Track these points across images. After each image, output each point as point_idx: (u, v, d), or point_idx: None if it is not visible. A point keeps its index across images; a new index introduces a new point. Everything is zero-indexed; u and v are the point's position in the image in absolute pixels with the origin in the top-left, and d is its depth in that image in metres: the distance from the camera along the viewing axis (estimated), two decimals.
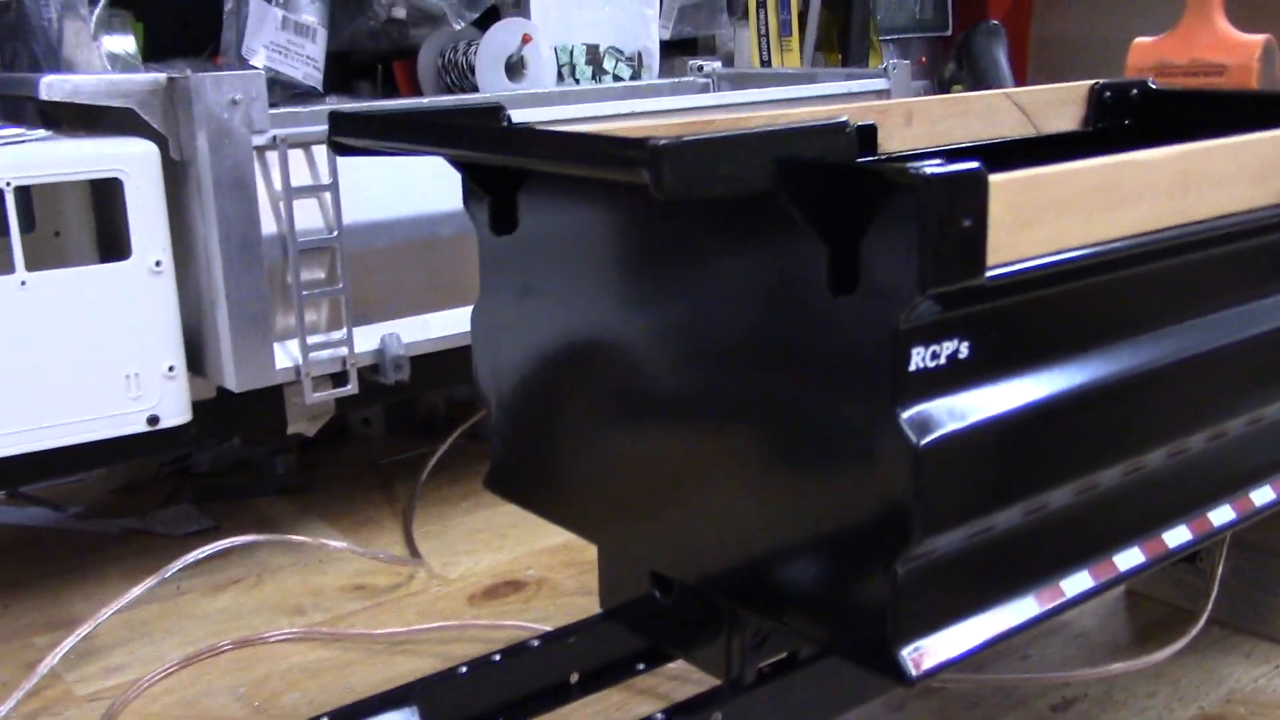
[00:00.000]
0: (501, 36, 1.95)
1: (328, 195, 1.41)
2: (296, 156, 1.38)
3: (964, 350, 0.72)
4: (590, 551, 0.98)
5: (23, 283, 1.24)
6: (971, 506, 0.74)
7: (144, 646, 1.37)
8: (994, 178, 0.69)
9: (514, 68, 1.97)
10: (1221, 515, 0.94)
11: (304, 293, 1.40)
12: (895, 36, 2.80)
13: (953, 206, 0.66)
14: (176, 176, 1.34)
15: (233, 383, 1.36)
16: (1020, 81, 2.67)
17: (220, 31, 1.88)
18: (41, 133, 1.31)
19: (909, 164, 0.65)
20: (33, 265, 1.25)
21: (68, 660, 1.30)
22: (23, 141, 1.26)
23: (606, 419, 0.88)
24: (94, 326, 1.28)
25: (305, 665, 1.32)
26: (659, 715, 0.82)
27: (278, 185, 1.37)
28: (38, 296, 1.25)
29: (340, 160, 1.39)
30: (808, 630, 0.77)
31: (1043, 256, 0.74)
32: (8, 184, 1.21)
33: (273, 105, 1.72)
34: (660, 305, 0.82)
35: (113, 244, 1.35)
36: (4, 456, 1.26)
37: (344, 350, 1.44)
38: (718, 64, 2.15)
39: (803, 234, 0.69)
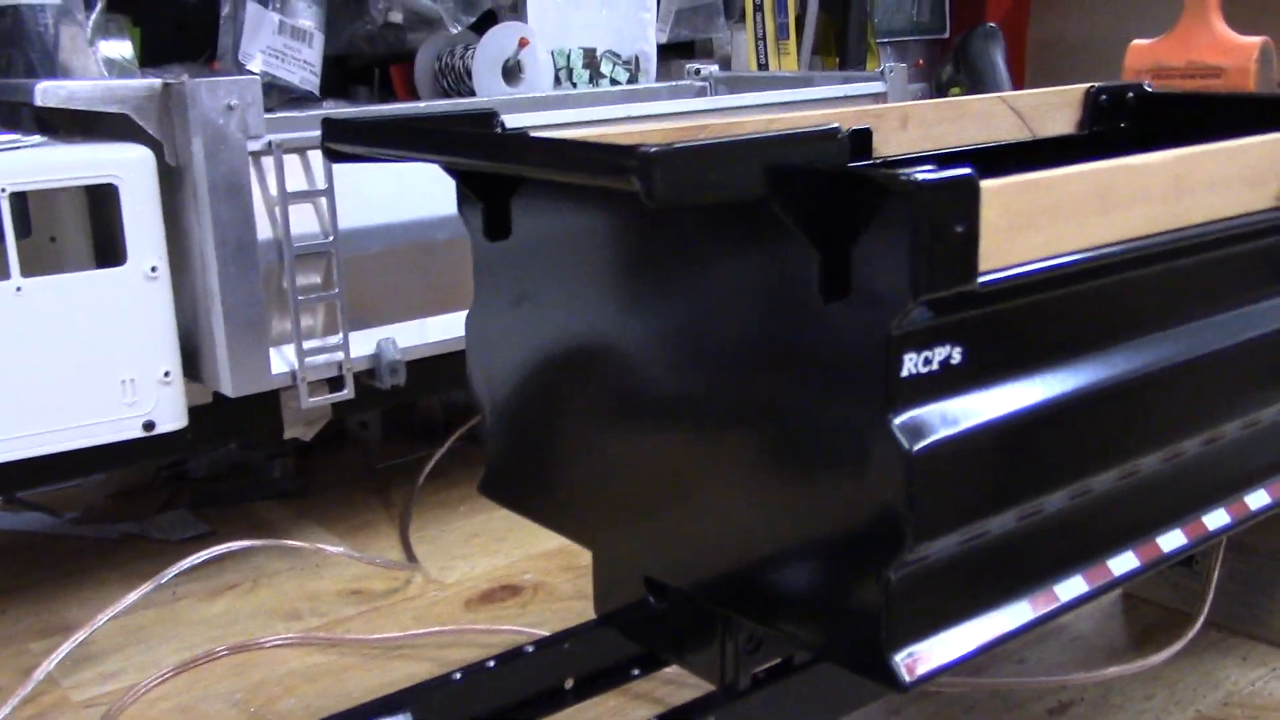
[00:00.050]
0: (498, 40, 1.96)
1: (323, 200, 1.41)
2: (292, 161, 1.38)
3: (957, 356, 0.72)
4: (587, 556, 0.98)
5: (18, 288, 1.24)
6: (965, 512, 0.74)
7: (140, 652, 1.37)
8: (986, 183, 0.69)
9: (511, 72, 1.97)
10: (1216, 519, 0.94)
11: (299, 298, 1.40)
12: (893, 39, 2.81)
13: (945, 212, 0.66)
14: (172, 182, 1.34)
15: (228, 388, 1.36)
16: (1018, 84, 2.68)
17: (217, 36, 1.88)
18: (37, 138, 1.31)
19: (900, 170, 0.65)
20: (29, 271, 1.25)
21: (64, 666, 1.30)
22: (18, 147, 1.26)
23: (600, 424, 0.88)
24: (89, 332, 1.28)
25: (301, 670, 1.32)
26: None
27: (273, 190, 1.37)
28: (33, 302, 1.25)
29: (336, 165, 1.39)
30: (801, 636, 0.77)
31: (1036, 262, 0.74)
32: (3, 190, 1.21)
33: (270, 110, 1.73)
34: (653, 311, 0.82)
35: (109, 249, 1.35)
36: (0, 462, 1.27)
37: (340, 355, 1.44)
38: (715, 67, 2.16)
39: (794, 240, 0.69)
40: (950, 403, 0.72)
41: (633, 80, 2.13)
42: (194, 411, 1.38)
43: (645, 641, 0.94)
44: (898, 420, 0.69)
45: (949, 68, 2.49)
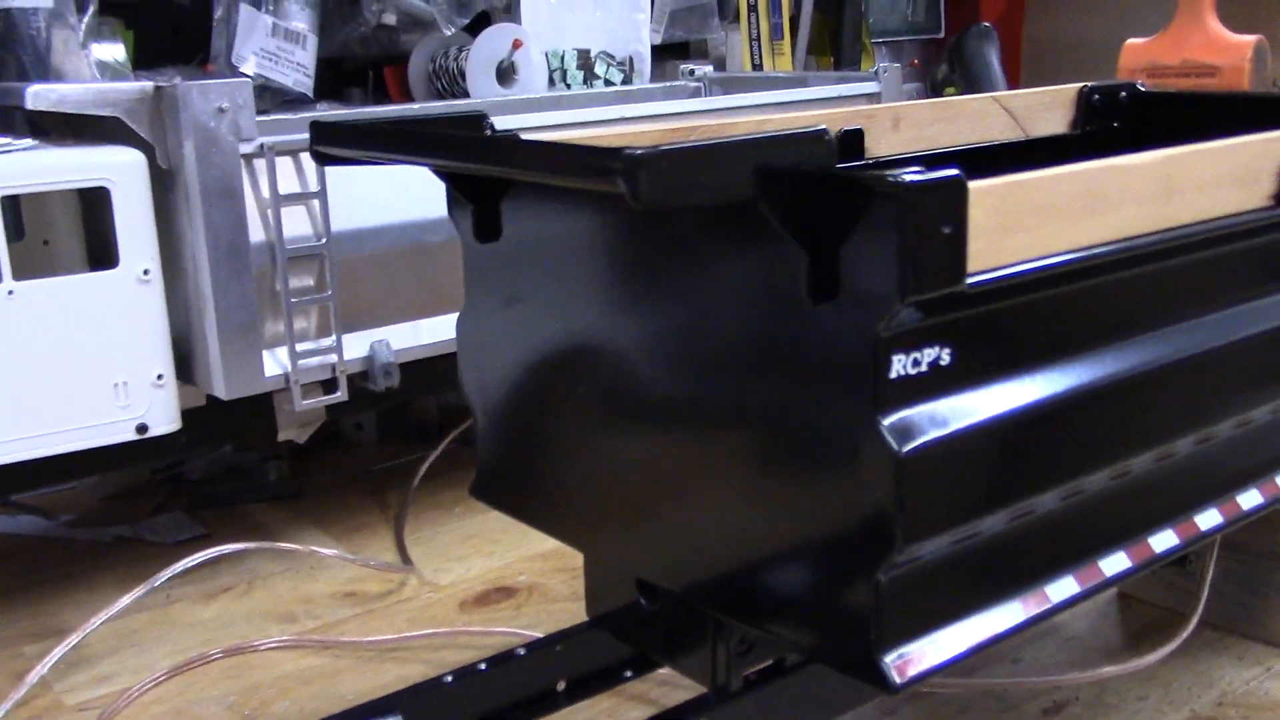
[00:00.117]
0: (492, 42, 1.95)
1: (316, 202, 1.41)
2: (284, 164, 1.38)
3: (946, 357, 0.72)
4: (581, 557, 0.98)
5: (10, 292, 1.24)
6: (954, 513, 0.74)
7: (134, 655, 1.36)
8: (974, 184, 0.69)
9: (505, 73, 1.97)
10: (1209, 519, 0.94)
11: (293, 300, 1.40)
12: (888, 39, 2.80)
13: (932, 213, 0.66)
14: (164, 185, 1.34)
15: (222, 390, 1.36)
16: (1013, 83, 2.67)
17: (210, 39, 1.88)
18: (28, 142, 1.30)
19: (888, 171, 0.65)
20: (22, 274, 1.25)
21: (57, 669, 1.29)
22: (9, 151, 1.26)
23: (591, 426, 0.88)
24: (82, 335, 1.28)
25: (296, 673, 1.32)
26: None
27: (266, 193, 1.37)
28: (25, 305, 1.25)
29: (329, 167, 1.39)
30: (791, 638, 0.77)
31: (1025, 263, 0.74)
32: None
33: (263, 112, 1.73)
34: (643, 313, 0.82)
35: (102, 253, 1.35)
36: None
37: (333, 357, 1.44)
38: (709, 68, 2.15)
39: (783, 241, 0.69)
40: (939, 404, 0.72)
41: (627, 81, 2.13)
42: (187, 414, 1.38)
43: (637, 643, 0.94)
44: (886, 421, 0.69)
45: (944, 67, 2.49)
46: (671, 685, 1.19)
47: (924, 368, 0.71)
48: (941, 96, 2.28)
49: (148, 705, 1.26)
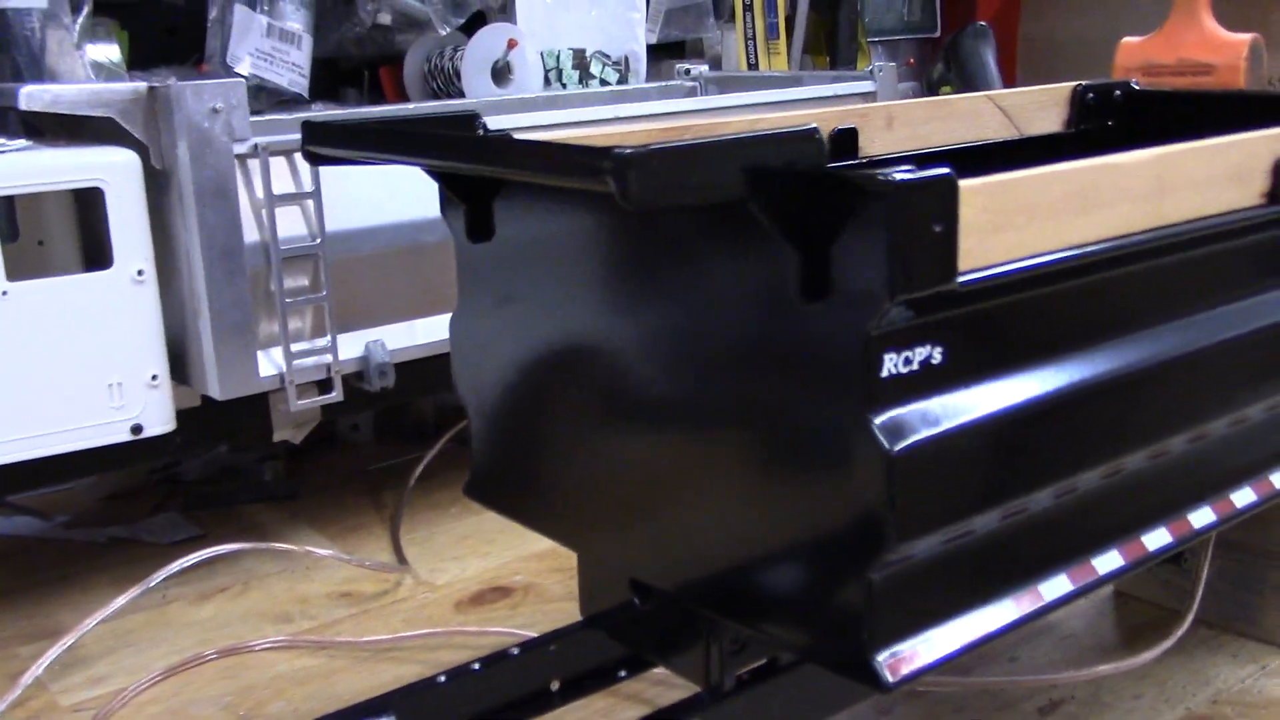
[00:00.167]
0: (487, 42, 1.95)
1: (310, 203, 1.41)
2: (279, 164, 1.38)
3: (937, 355, 0.72)
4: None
5: (4, 292, 1.24)
6: (946, 512, 0.74)
7: (129, 656, 1.36)
8: (965, 183, 0.69)
9: (500, 73, 1.97)
10: (1202, 517, 0.94)
11: (287, 300, 1.39)
12: (883, 38, 2.80)
13: (923, 212, 0.66)
14: (159, 185, 1.34)
15: (216, 391, 1.36)
16: (1009, 82, 2.67)
17: (205, 39, 1.88)
18: (22, 142, 1.30)
19: (879, 170, 0.65)
20: (16, 275, 1.25)
21: (52, 670, 1.29)
22: (3, 151, 1.26)
23: (584, 426, 0.88)
24: (76, 336, 1.28)
25: (291, 673, 1.32)
26: None
27: (260, 193, 1.37)
28: (19, 306, 1.24)
29: (323, 167, 1.39)
30: (784, 637, 0.77)
31: (1016, 261, 0.74)
32: None
33: (258, 112, 1.73)
34: (636, 313, 0.82)
35: (97, 253, 1.35)
36: None
37: (328, 357, 1.44)
38: (705, 67, 2.15)
39: (773, 241, 0.69)
40: (931, 402, 0.72)
41: (622, 81, 2.13)
42: (182, 415, 1.38)
43: (631, 643, 0.94)
44: (878, 420, 0.69)
45: (939, 67, 2.49)
46: (667, 685, 1.19)
47: (915, 366, 0.71)
48: (937, 95, 2.28)
49: (143, 706, 1.26)
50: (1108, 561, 0.86)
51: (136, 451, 1.37)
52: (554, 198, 0.85)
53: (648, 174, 0.60)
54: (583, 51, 2.08)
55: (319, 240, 1.42)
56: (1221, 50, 2.00)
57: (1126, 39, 2.07)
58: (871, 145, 1.14)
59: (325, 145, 0.84)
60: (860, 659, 0.72)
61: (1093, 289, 0.81)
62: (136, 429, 1.33)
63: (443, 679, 0.89)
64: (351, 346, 1.47)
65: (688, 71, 2.12)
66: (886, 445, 0.69)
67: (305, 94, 1.89)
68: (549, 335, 0.89)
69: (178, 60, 1.92)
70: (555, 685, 0.95)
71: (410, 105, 1.97)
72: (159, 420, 1.34)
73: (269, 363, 1.40)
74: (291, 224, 1.40)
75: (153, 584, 1.31)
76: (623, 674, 0.98)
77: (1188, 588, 1.21)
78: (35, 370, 1.26)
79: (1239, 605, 1.30)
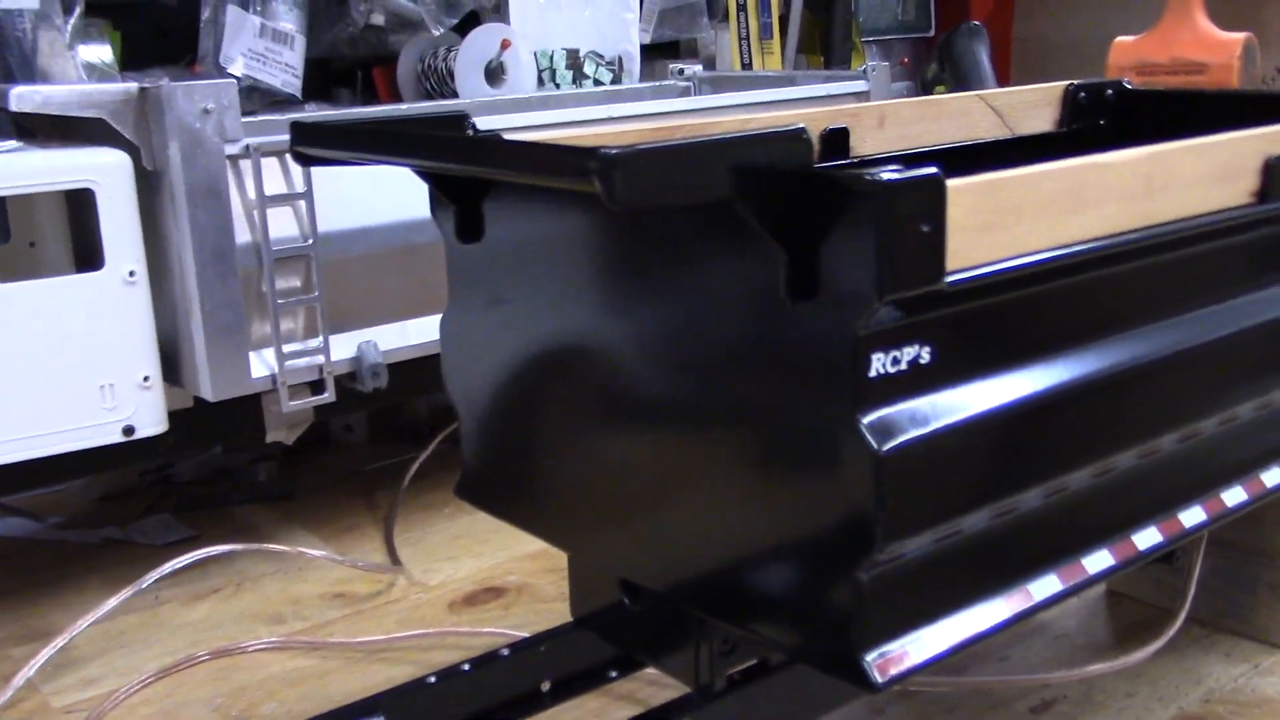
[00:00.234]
0: (481, 42, 1.95)
1: (302, 203, 1.41)
2: (270, 165, 1.38)
3: (926, 355, 0.72)
4: None
5: None
6: (935, 512, 0.74)
7: (121, 657, 1.36)
8: (953, 182, 0.69)
9: (494, 73, 1.97)
10: (1193, 516, 0.94)
11: (279, 301, 1.39)
12: (878, 38, 2.80)
13: (910, 212, 0.66)
14: (150, 186, 1.33)
15: (208, 392, 1.36)
16: (1003, 82, 2.67)
17: (198, 40, 1.88)
18: (13, 143, 1.30)
19: (866, 170, 0.65)
20: (6, 275, 1.24)
21: (44, 672, 1.29)
22: None
23: (574, 427, 0.88)
24: (68, 337, 1.28)
25: (284, 674, 1.32)
26: None
27: (252, 194, 1.37)
28: (9, 307, 1.24)
29: (314, 168, 1.39)
30: (774, 637, 0.77)
31: (1004, 261, 0.74)
32: None
33: (252, 113, 1.73)
34: (625, 313, 0.82)
35: (89, 254, 1.35)
36: None
37: (320, 358, 1.44)
38: (698, 67, 2.15)
39: (762, 241, 0.69)
40: (919, 402, 0.72)
41: (616, 81, 2.12)
42: (174, 416, 1.38)
43: (621, 644, 0.94)
44: (866, 420, 0.69)
45: (934, 66, 2.49)
46: (660, 685, 1.19)
47: (904, 366, 0.71)
48: (931, 95, 2.28)
49: (135, 707, 1.26)
50: (1098, 561, 0.86)
51: (129, 453, 1.37)
52: (543, 198, 0.85)
53: (633, 174, 0.60)
54: (576, 52, 2.08)
55: (311, 241, 1.42)
56: (1215, 49, 2.00)
57: (1120, 38, 2.07)
58: (863, 145, 1.14)
59: (314, 146, 0.84)
60: (849, 659, 0.72)
61: (1082, 288, 0.81)
62: (128, 430, 1.32)
63: (433, 680, 0.89)
64: (344, 347, 1.47)
65: (681, 71, 2.12)
66: (875, 445, 0.69)
67: (298, 94, 1.89)
68: (539, 336, 0.89)
69: (170, 61, 1.92)
70: (546, 686, 0.95)
71: (403, 106, 1.96)
72: (151, 421, 1.34)
73: (261, 364, 1.40)
74: (283, 225, 1.40)
75: (145, 585, 1.31)
76: (613, 674, 0.98)
77: (1180, 586, 1.21)
78: (27, 371, 1.26)
79: (1232, 604, 1.30)
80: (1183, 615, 1.18)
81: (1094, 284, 0.81)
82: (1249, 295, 0.94)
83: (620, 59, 2.13)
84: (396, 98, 2.06)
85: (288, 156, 1.40)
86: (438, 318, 0.97)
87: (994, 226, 0.73)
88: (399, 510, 1.72)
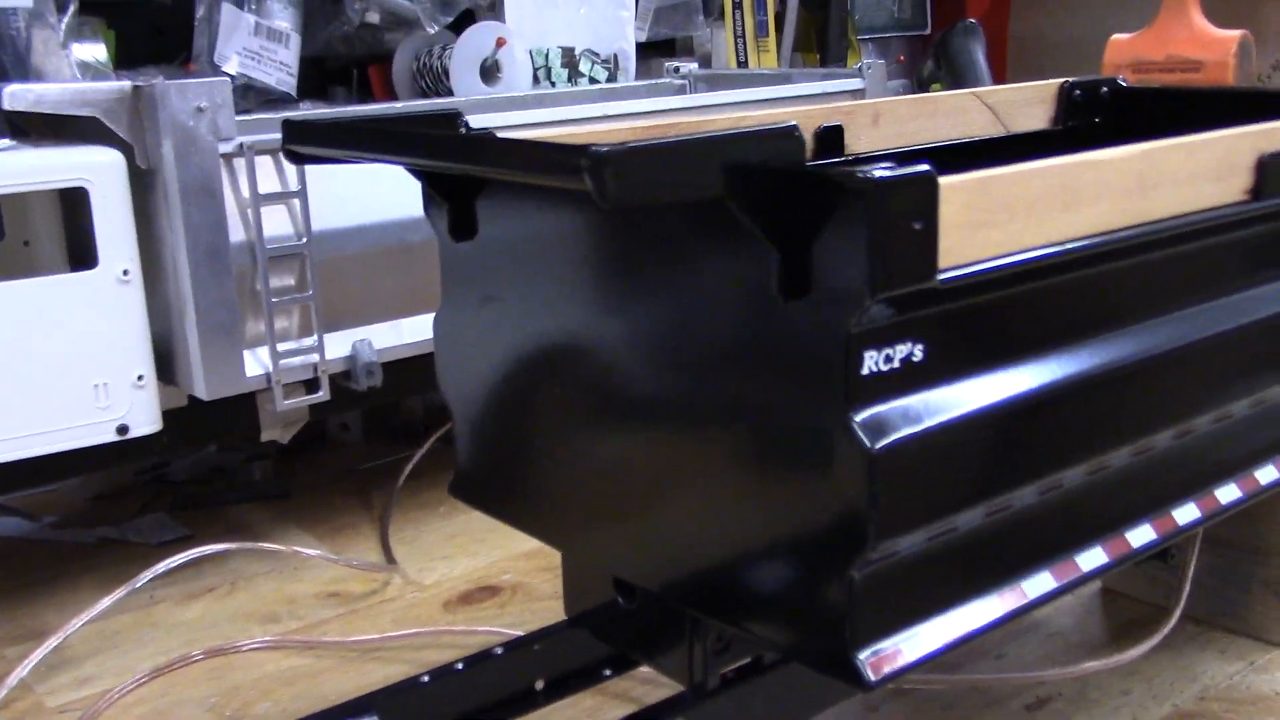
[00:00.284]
0: (476, 40, 1.95)
1: (296, 202, 1.41)
2: (264, 163, 1.37)
3: (918, 353, 0.72)
4: None
5: None
6: (928, 510, 0.74)
7: (115, 657, 1.36)
8: (945, 180, 0.69)
9: (489, 71, 1.97)
10: (1187, 514, 0.94)
11: (273, 300, 1.39)
12: (874, 36, 2.80)
13: (903, 209, 0.66)
14: (144, 185, 1.33)
15: (202, 391, 1.36)
16: (999, 80, 2.67)
17: (193, 38, 1.88)
18: (6, 142, 1.30)
19: (858, 167, 0.65)
20: (1, 274, 1.24)
21: (38, 672, 1.29)
22: None
23: (567, 425, 0.88)
24: (62, 336, 1.28)
25: (278, 674, 1.31)
26: None
27: (246, 192, 1.37)
28: (3, 306, 1.24)
29: (309, 167, 1.39)
30: (767, 636, 0.77)
31: (997, 258, 0.74)
32: None
33: (247, 111, 1.72)
34: (618, 312, 0.82)
35: (83, 253, 1.35)
36: None
37: (315, 357, 1.44)
38: (694, 65, 2.15)
39: (754, 239, 0.69)
40: (912, 400, 0.72)
41: (612, 79, 2.12)
42: (169, 415, 1.38)
43: (615, 642, 0.94)
44: (859, 418, 0.69)
45: (930, 64, 2.49)
46: (654, 683, 1.19)
47: (896, 364, 0.71)
48: (928, 93, 2.28)
49: (129, 707, 1.26)
50: (1092, 558, 0.86)
51: (123, 452, 1.37)
52: (536, 196, 0.85)
53: (624, 172, 0.60)
54: (572, 50, 2.08)
55: (305, 239, 1.41)
56: (1210, 47, 2.00)
57: (1116, 36, 2.07)
58: (857, 143, 1.14)
59: (306, 144, 0.84)
60: (842, 657, 0.72)
61: (1075, 286, 0.81)
62: (122, 429, 1.32)
63: (426, 679, 0.89)
64: (338, 346, 1.47)
65: (677, 70, 2.12)
66: (867, 443, 0.69)
67: (293, 93, 1.89)
68: (532, 334, 0.88)
69: (165, 59, 1.92)
70: (540, 685, 0.95)
71: (398, 104, 1.96)
72: (145, 420, 1.34)
73: (255, 362, 1.40)
74: (277, 223, 1.40)
75: (139, 584, 1.31)
76: (608, 673, 0.98)
77: (1175, 584, 1.21)
78: (21, 370, 1.26)
79: (1227, 601, 1.30)
80: (1178, 613, 1.18)
81: (1087, 282, 0.81)
82: (1243, 293, 0.94)
83: (615, 57, 2.13)
84: (392, 96, 2.06)
85: (281, 155, 1.39)
86: (432, 316, 0.97)
87: (987, 224, 0.72)
88: (394, 509, 1.72)
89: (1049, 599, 0.83)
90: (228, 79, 1.35)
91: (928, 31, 2.90)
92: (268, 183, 1.38)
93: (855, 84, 1.89)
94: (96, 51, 1.72)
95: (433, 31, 2.01)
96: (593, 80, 2.10)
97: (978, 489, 0.77)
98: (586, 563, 0.93)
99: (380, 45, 2.06)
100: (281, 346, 1.41)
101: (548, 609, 1.43)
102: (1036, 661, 1.27)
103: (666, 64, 2.15)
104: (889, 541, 0.71)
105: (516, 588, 1.50)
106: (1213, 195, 0.88)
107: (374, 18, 2.00)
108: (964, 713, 1.18)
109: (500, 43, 1.96)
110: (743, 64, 2.54)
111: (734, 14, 2.53)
